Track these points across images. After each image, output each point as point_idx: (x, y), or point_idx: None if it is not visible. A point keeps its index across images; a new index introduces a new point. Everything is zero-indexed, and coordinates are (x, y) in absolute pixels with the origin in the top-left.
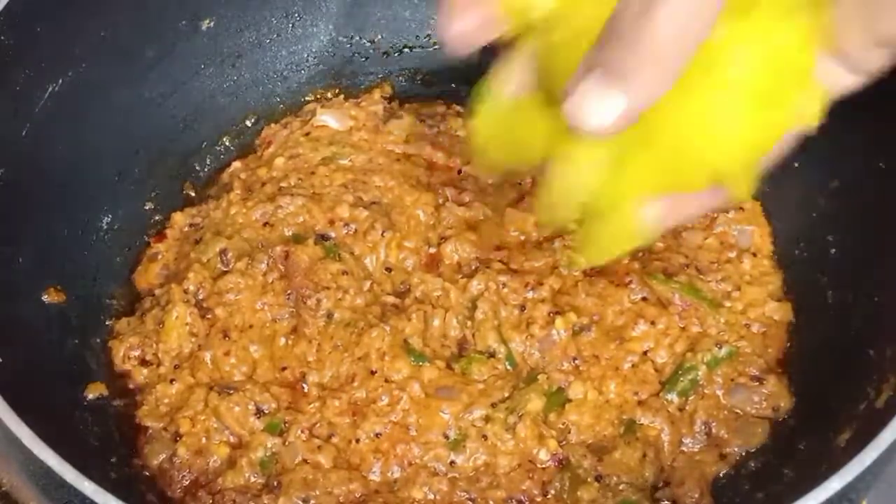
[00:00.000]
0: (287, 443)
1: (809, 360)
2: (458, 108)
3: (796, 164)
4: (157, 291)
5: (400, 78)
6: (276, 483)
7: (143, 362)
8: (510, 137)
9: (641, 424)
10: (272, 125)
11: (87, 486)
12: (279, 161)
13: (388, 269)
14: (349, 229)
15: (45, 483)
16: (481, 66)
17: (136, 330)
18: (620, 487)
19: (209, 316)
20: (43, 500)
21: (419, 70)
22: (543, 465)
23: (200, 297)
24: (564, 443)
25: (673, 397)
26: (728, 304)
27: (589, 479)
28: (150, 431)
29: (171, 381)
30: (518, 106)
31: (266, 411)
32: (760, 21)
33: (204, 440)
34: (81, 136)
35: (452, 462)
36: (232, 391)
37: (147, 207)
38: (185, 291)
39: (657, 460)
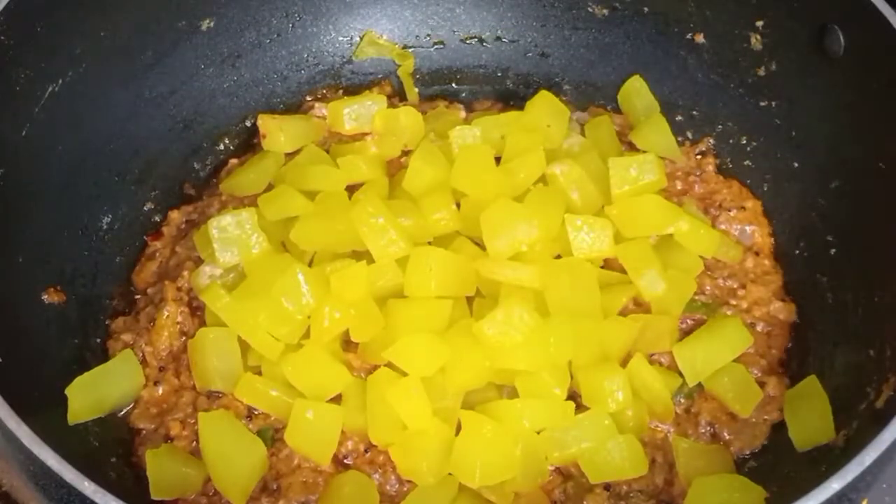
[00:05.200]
0: (279, 449)
1: (809, 360)
2: (459, 106)
3: (796, 165)
4: (150, 290)
5: (400, 77)
6: (275, 486)
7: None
8: None
9: (650, 427)
10: None
11: (87, 486)
12: None
13: None
14: None
15: (45, 483)
16: (482, 66)
17: (131, 328)
18: (631, 495)
19: (199, 313)
20: (43, 500)
21: (419, 70)
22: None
23: (193, 294)
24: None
25: (680, 399)
26: (734, 301)
27: (597, 489)
28: (144, 433)
29: (156, 383)
30: None
31: (256, 412)
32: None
33: (195, 443)
34: (81, 135)
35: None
36: (221, 395)
37: (147, 207)
38: (179, 289)
39: (665, 464)
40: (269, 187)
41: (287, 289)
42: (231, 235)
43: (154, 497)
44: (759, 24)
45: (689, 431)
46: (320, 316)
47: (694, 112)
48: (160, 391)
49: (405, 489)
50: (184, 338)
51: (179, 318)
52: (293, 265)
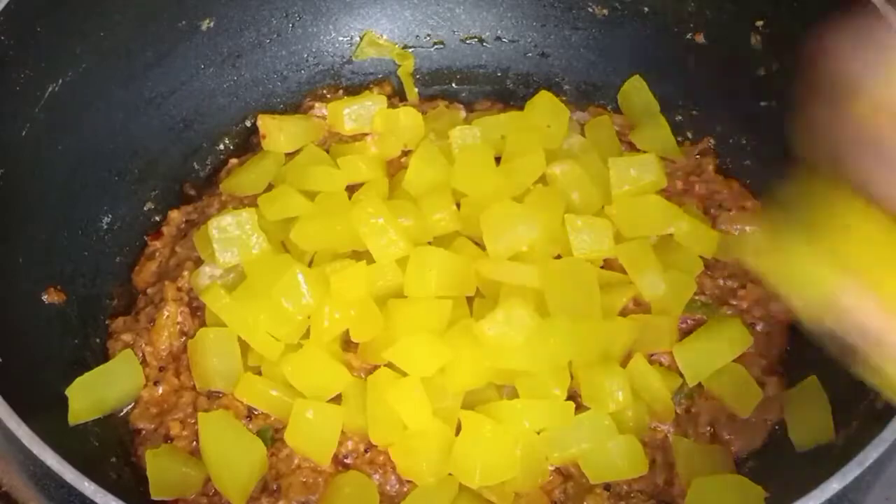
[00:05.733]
0: (279, 449)
1: (809, 360)
2: (459, 106)
3: None
4: (150, 290)
5: (400, 77)
6: (275, 486)
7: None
8: None
9: (651, 428)
10: None
11: (87, 486)
12: None
13: None
14: None
15: (45, 483)
16: (482, 66)
17: (131, 328)
18: (631, 496)
19: (199, 313)
20: (43, 500)
21: (419, 70)
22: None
23: (193, 294)
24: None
25: (680, 399)
26: (734, 301)
27: (597, 489)
28: (144, 433)
29: (156, 382)
30: None
31: (256, 413)
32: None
33: (195, 443)
34: (81, 135)
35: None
36: (221, 395)
37: (147, 207)
38: (179, 289)
39: (665, 464)
40: (269, 187)
41: (287, 289)
42: (231, 236)
43: (154, 497)
44: (759, 24)
45: (689, 431)
46: (320, 316)
47: (694, 112)
48: (160, 391)
49: (405, 489)
50: (184, 338)
51: (179, 318)
52: (293, 265)
